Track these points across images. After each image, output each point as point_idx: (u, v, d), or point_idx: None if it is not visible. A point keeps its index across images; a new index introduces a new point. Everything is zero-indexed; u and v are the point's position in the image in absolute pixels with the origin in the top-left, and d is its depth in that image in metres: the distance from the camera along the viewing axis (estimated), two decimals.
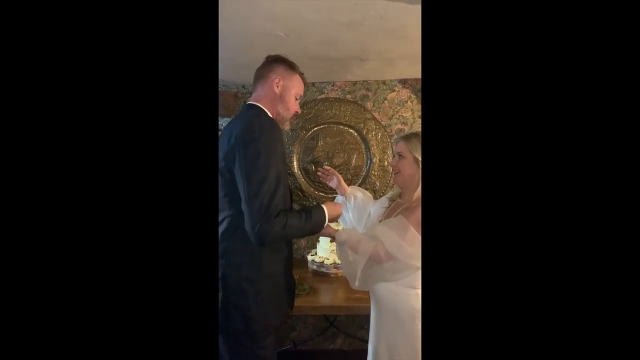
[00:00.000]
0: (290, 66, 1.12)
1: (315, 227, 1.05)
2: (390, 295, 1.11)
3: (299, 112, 1.17)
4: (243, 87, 2.11)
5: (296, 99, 1.13)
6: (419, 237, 1.02)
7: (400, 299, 1.10)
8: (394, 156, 1.22)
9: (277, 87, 1.09)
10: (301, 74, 1.14)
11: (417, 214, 1.05)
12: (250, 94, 2.17)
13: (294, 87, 1.12)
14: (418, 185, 1.11)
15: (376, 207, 1.30)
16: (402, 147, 1.15)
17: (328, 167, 1.44)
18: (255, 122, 0.98)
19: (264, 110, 1.07)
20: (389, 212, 1.19)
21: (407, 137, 1.15)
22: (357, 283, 1.11)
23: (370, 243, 1.07)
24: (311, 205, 1.10)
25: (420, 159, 1.11)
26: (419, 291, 1.10)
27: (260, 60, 1.57)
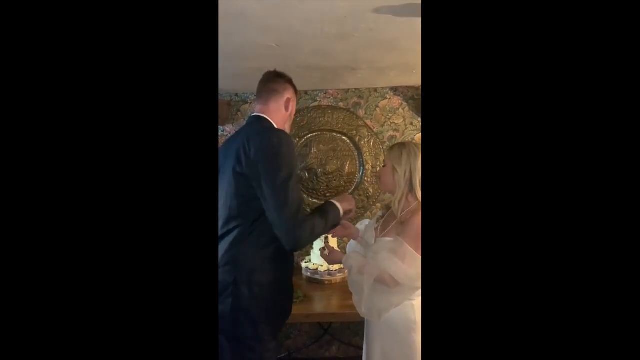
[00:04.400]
0: (295, 88, 1.20)
1: (333, 224, 1.14)
2: None
3: None
4: (236, 95, 2.12)
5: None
6: (417, 255, 1.02)
7: (396, 311, 1.09)
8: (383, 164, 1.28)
9: (290, 106, 1.16)
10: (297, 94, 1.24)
11: (410, 229, 1.05)
12: (244, 101, 2.19)
13: (294, 110, 1.21)
14: (396, 193, 1.12)
15: (371, 222, 1.30)
16: (386, 155, 1.20)
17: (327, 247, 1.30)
18: (274, 137, 1.03)
19: (273, 124, 1.11)
20: (385, 223, 1.19)
21: (392, 147, 1.18)
22: (364, 310, 1.11)
23: (375, 266, 1.07)
24: (324, 203, 1.17)
25: (397, 168, 1.11)
26: (414, 302, 1.10)
27: (253, 70, 1.59)
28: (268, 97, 1.14)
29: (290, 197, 1.00)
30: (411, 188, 1.10)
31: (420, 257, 1.02)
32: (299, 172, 2.12)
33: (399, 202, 1.11)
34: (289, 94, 1.16)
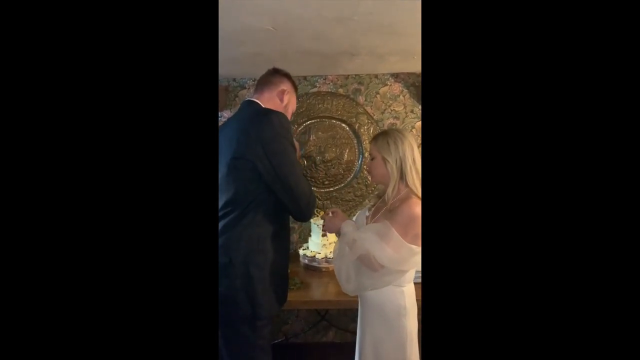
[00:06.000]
0: (295, 85, 1.22)
1: None
2: (377, 292, 1.12)
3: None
4: (234, 80, 2.08)
5: (293, 111, 1.27)
6: (404, 241, 1.03)
7: (386, 296, 1.11)
8: (369, 158, 1.24)
9: (285, 98, 1.17)
10: (296, 89, 1.26)
11: (399, 215, 1.05)
12: (242, 87, 2.15)
13: (292, 105, 1.22)
14: (391, 183, 1.11)
15: (363, 211, 1.30)
16: (372, 147, 1.16)
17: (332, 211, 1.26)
18: (275, 118, 1.05)
19: (282, 114, 1.11)
20: (375, 211, 1.20)
21: (375, 138, 1.16)
22: (346, 285, 1.14)
23: (361, 245, 1.07)
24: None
25: (388, 159, 1.10)
26: (405, 288, 1.12)
27: (250, 54, 1.56)
28: (262, 87, 1.17)
29: (301, 176, 1.07)
30: (402, 176, 1.10)
31: (406, 243, 1.03)
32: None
33: (392, 190, 1.11)
34: (284, 86, 1.17)
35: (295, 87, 1.24)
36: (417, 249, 1.05)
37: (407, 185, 1.09)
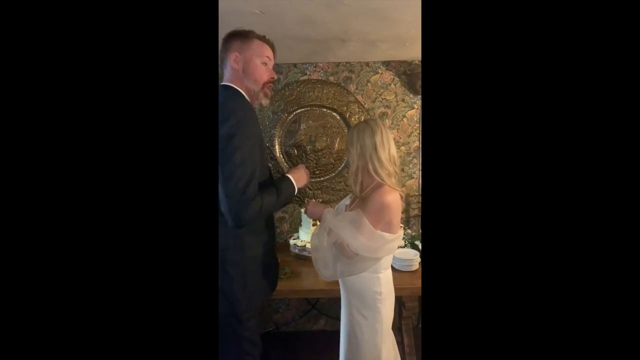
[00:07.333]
0: (245, 36, 1.05)
1: (287, 199, 1.09)
2: (355, 278, 1.16)
3: (275, 77, 1.11)
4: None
5: (265, 64, 1.07)
6: (374, 229, 1.05)
7: (364, 283, 1.15)
8: None
9: (237, 63, 1.04)
10: (261, 38, 1.07)
11: (370, 204, 1.07)
12: None
13: (255, 55, 1.05)
14: (351, 169, 1.14)
15: (345, 200, 1.32)
16: (347, 139, 1.20)
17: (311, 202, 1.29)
18: (229, 104, 0.96)
19: (237, 90, 1.04)
20: (353, 200, 1.23)
21: (349, 131, 1.19)
22: (324, 271, 1.15)
23: (337, 233, 1.09)
24: (278, 178, 1.12)
25: (350, 148, 1.13)
26: (381, 275, 1.15)
27: None
28: (221, 66, 1.06)
29: (238, 170, 0.89)
30: (366, 165, 1.11)
31: (377, 231, 1.06)
32: (287, 149, 2.08)
33: (354, 178, 1.14)
34: (231, 51, 1.04)
35: (246, 36, 1.05)
36: (390, 237, 1.07)
37: (376, 177, 1.10)
